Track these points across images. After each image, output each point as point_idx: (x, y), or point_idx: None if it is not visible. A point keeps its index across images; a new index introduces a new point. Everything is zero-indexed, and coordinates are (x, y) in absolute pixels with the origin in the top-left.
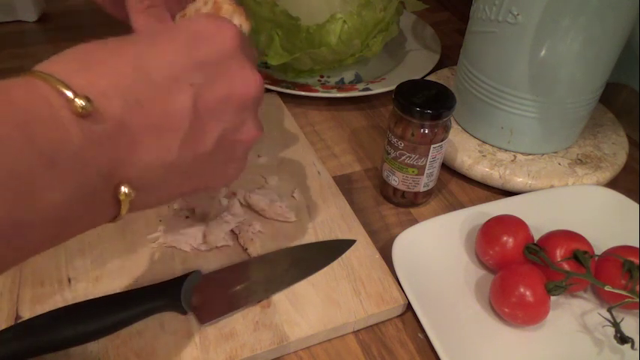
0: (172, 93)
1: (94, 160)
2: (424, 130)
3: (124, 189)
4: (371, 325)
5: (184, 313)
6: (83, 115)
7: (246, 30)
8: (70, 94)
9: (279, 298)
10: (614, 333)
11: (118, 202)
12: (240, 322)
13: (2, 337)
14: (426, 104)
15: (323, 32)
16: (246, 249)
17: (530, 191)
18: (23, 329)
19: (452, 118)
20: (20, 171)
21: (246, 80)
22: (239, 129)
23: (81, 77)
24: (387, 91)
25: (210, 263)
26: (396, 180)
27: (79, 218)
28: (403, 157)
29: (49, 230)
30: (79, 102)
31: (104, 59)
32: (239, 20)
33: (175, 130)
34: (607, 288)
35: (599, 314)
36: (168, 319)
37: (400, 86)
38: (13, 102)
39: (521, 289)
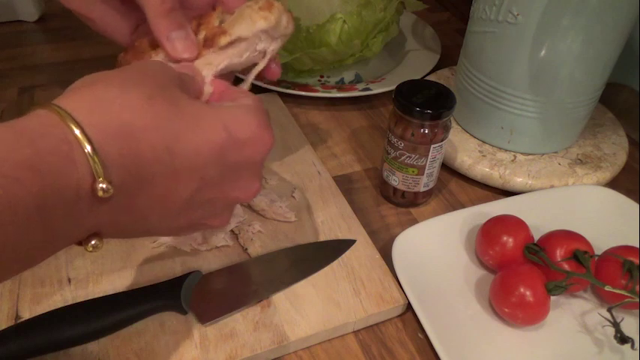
0: (181, 181)
1: (83, 217)
2: (424, 130)
3: (93, 242)
4: (371, 325)
5: (184, 313)
6: (101, 198)
7: (291, 30)
8: (98, 176)
9: (279, 298)
10: (614, 333)
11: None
12: (240, 322)
13: (2, 337)
14: (426, 104)
15: (323, 32)
16: (246, 249)
17: (530, 191)
18: (23, 329)
19: (452, 118)
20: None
21: (247, 190)
22: (216, 216)
23: (110, 143)
24: (387, 91)
25: (210, 263)
26: (396, 180)
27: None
28: (403, 157)
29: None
30: (102, 186)
31: (136, 131)
32: (287, 19)
33: (162, 209)
34: (607, 288)
35: (599, 314)
36: (168, 319)
37: (400, 86)
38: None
39: (521, 289)
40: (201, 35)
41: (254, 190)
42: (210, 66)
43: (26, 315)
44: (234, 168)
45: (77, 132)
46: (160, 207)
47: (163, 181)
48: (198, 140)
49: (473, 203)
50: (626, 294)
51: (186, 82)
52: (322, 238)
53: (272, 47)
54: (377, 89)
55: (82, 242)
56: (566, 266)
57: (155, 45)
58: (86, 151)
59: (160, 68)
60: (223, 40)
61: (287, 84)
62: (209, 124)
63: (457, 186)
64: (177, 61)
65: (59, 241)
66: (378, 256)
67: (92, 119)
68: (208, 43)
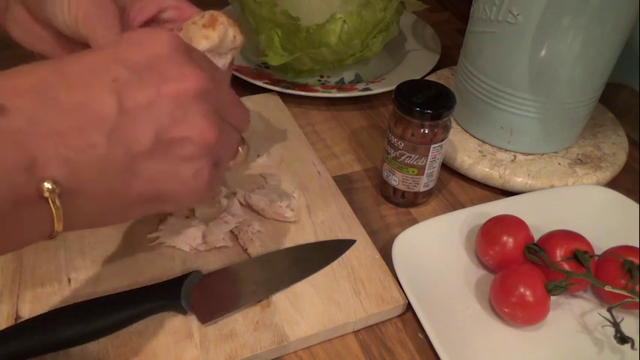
0: (91, 88)
1: (7, 156)
2: (424, 130)
3: (46, 184)
4: (371, 325)
5: (184, 313)
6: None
7: (240, 43)
8: None
9: (279, 298)
10: (614, 333)
11: (49, 210)
12: (240, 322)
13: (2, 337)
14: (426, 104)
15: (323, 32)
16: (246, 249)
17: (530, 191)
18: (23, 329)
19: (452, 118)
20: None
21: (183, 76)
22: (178, 124)
23: None
24: (387, 91)
25: (210, 263)
26: (396, 180)
27: (5, 231)
28: (403, 157)
29: None
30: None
31: (28, 68)
32: (234, 32)
33: (98, 125)
34: (607, 288)
35: (599, 314)
36: (168, 319)
37: (400, 86)
38: None
39: (521, 289)
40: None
41: (191, 75)
42: None
43: (26, 315)
44: (147, 62)
45: None
46: (83, 126)
47: (67, 95)
48: (86, 54)
49: (473, 203)
50: (626, 294)
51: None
52: (322, 238)
53: (222, 63)
54: (377, 89)
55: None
56: (566, 266)
57: None
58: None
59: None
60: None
61: (287, 84)
62: (99, 48)
63: (457, 186)
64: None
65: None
66: (378, 256)
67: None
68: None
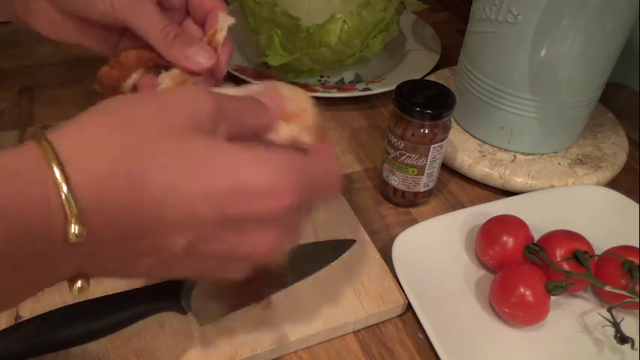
0: (171, 235)
1: (59, 260)
2: (424, 130)
3: (79, 284)
4: (371, 325)
5: (184, 313)
6: (74, 243)
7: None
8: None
9: (279, 298)
10: (614, 333)
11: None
12: (240, 322)
13: (2, 337)
14: (426, 104)
15: (323, 32)
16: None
17: (530, 191)
18: (23, 329)
19: (452, 118)
20: None
21: (259, 246)
22: (226, 270)
23: (92, 188)
24: (387, 91)
25: None
26: (396, 180)
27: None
28: (403, 157)
29: None
30: (74, 231)
31: (124, 178)
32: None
33: (152, 259)
34: (607, 288)
35: (599, 314)
36: (168, 319)
37: (400, 86)
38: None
39: (521, 289)
40: None
41: (266, 246)
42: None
43: (26, 315)
44: (238, 223)
45: (57, 172)
46: (148, 256)
47: (149, 233)
48: (196, 193)
49: (473, 203)
50: (626, 294)
51: (229, 112)
52: (322, 238)
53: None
54: (377, 89)
55: (68, 283)
56: (566, 266)
57: (141, 61)
58: (62, 193)
59: (181, 97)
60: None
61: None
62: (214, 174)
63: (457, 186)
64: (199, 73)
65: (37, 284)
66: (378, 256)
67: (79, 160)
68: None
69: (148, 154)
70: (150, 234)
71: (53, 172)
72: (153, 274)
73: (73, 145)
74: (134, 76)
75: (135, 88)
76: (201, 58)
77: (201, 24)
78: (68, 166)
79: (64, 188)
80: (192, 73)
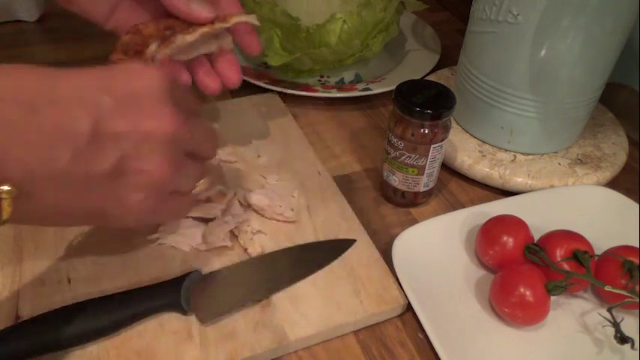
0: (71, 108)
1: None
2: (424, 130)
3: (4, 187)
4: (371, 325)
5: (184, 313)
6: None
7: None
8: None
9: (279, 298)
10: (614, 333)
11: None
12: (240, 322)
13: (2, 337)
14: (426, 104)
15: (323, 32)
16: (246, 249)
17: (530, 191)
18: (23, 329)
19: (452, 118)
20: None
21: (160, 118)
22: (141, 159)
23: None
24: (387, 91)
25: (210, 263)
26: (396, 180)
27: None
28: (403, 157)
29: None
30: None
31: (26, 70)
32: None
33: (67, 142)
34: (607, 288)
35: (599, 314)
36: (168, 319)
37: (400, 86)
38: None
39: (521, 289)
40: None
41: (168, 118)
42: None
43: (26, 315)
44: (132, 96)
45: None
46: (54, 140)
47: (48, 110)
48: (80, 74)
49: (473, 203)
50: (626, 294)
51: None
52: (322, 238)
53: (216, 45)
54: (377, 89)
55: None
56: (566, 266)
57: (159, 29)
58: None
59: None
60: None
61: (287, 84)
62: (98, 68)
63: (457, 186)
64: (203, 23)
65: None
66: (378, 256)
67: None
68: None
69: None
70: (50, 111)
71: None
72: (79, 205)
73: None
74: (153, 46)
75: (153, 59)
76: (202, 9)
77: None
78: None
79: None
80: (194, 22)
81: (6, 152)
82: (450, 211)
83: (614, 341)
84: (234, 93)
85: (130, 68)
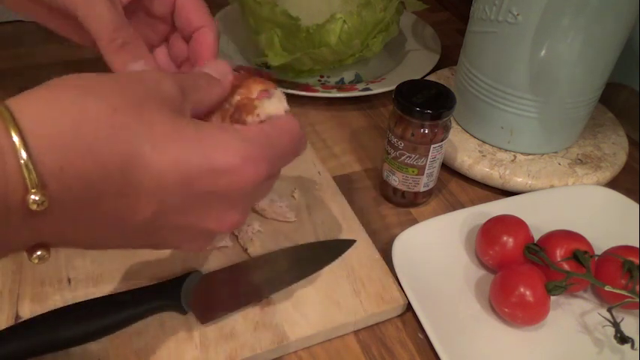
0: (135, 203)
1: (19, 227)
2: (424, 130)
3: (39, 253)
4: (371, 325)
5: (184, 313)
6: (35, 211)
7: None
8: (30, 183)
9: (279, 298)
10: (614, 333)
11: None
12: (240, 322)
13: (2, 337)
14: (426, 104)
15: (323, 32)
16: (246, 249)
17: (530, 191)
18: (23, 329)
19: (452, 118)
20: None
21: (222, 222)
22: (185, 242)
23: (52, 154)
24: (387, 91)
25: (210, 263)
26: (396, 180)
27: None
28: (403, 157)
29: None
30: (35, 198)
31: (86, 144)
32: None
33: (113, 227)
34: (607, 288)
35: (599, 314)
36: (169, 319)
37: (400, 86)
38: None
39: (521, 289)
40: (234, 99)
41: (230, 222)
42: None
43: (26, 315)
44: (205, 197)
45: (15, 138)
46: (110, 224)
47: (113, 200)
48: (164, 163)
49: (473, 203)
50: (626, 294)
51: (188, 90)
52: (322, 238)
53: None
54: (377, 89)
55: (27, 252)
56: (566, 266)
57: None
58: (21, 160)
59: (145, 78)
60: (250, 120)
61: (287, 84)
62: (183, 147)
63: (457, 186)
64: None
65: None
66: (378, 256)
67: (39, 126)
68: (237, 112)
69: (112, 121)
70: (113, 200)
71: (10, 137)
72: (114, 244)
73: (33, 110)
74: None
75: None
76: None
77: (188, 40)
78: (27, 132)
79: (23, 154)
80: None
81: (52, 233)
82: (450, 211)
83: (614, 341)
84: None
85: (235, 165)
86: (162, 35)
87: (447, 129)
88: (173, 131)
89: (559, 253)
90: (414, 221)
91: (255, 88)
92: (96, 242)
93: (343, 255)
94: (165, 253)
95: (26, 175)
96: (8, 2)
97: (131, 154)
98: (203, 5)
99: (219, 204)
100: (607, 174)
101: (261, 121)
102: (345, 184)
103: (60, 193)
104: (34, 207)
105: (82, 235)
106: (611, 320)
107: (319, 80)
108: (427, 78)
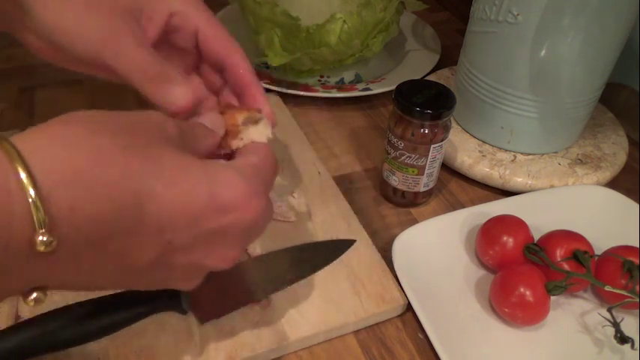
0: (143, 243)
1: (19, 270)
2: (424, 130)
3: (34, 295)
4: (371, 325)
5: (184, 312)
6: (41, 253)
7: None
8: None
9: (279, 298)
10: (614, 333)
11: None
12: (240, 322)
13: (2, 337)
14: (426, 104)
15: (323, 32)
16: (246, 249)
17: (530, 191)
18: (23, 329)
19: (452, 118)
20: None
21: (222, 259)
22: (182, 280)
23: (62, 193)
24: (387, 91)
25: None
26: (396, 180)
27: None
28: (403, 157)
29: None
30: (43, 239)
31: (96, 184)
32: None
33: (117, 269)
34: (607, 288)
35: (599, 314)
36: (169, 319)
37: (400, 86)
38: None
39: (521, 289)
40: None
41: (230, 259)
42: None
43: (26, 315)
44: (209, 235)
45: (23, 175)
46: (114, 265)
47: (122, 240)
48: (173, 203)
49: (473, 203)
50: (626, 294)
51: (187, 137)
52: (322, 238)
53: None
54: (377, 89)
55: (23, 295)
56: (566, 266)
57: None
58: (29, 198)
59: (151, 118)
60: (235, 144)
61: (287, 84)
62: (190, 184)
63: (457, 186)
64: (175, 115)
65: None
66: (378, 256)
67: (47, 164)
68: (222, 138)
69: (123, 160)
70: (122, 240)
71: (17, 174)
72: (112, 285)
73: (41, 146)
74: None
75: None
76: (176, 96)
77: (219, 69)
78: (35, 169)
79: (32, 192)
80: (172, 113)
81: (52, 275)
82: (450, 211)
83: (614, 341)
84: None
85: (238, 201)
86: (191, 66)
87: (447, 129)
88: (181, 167)
89: (559, 253)
90: (414, 221)
91: (240, 116)
92: (95, 284)
93: (343, 255)
94: None
95: (34, 213)
96: (34, 49)
97: (143, 191)
98: (225, 33)
99: (222, 241)
100: (607, 174)
101: (244, 145)
102: (345, 184)
103: (70, 234)
104: (41, 248)
105: (83, 277)
106: (611, 320)
107: (319, 80)
108: (427, 78)
